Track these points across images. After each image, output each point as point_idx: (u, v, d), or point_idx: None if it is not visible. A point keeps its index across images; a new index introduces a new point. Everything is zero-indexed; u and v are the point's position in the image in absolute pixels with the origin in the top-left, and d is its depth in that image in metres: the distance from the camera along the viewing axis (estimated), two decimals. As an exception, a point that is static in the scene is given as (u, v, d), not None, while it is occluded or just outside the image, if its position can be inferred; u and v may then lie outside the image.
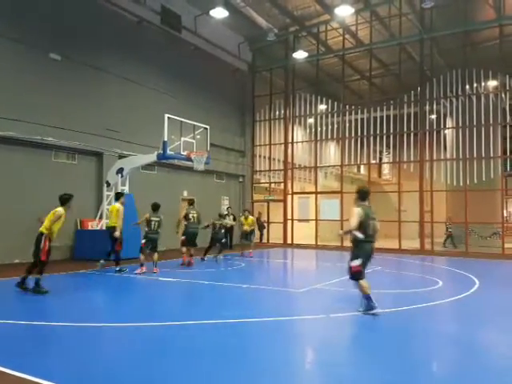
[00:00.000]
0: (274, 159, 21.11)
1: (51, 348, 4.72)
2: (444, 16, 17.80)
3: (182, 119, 12.77)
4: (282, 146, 20.91)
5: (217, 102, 18.53)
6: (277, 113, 21.19)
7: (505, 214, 18.22)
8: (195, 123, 13.18)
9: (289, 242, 20.04)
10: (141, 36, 15.35)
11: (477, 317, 6.47)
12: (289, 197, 20.58)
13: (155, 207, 10.49)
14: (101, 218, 12.89)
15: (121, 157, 13.74)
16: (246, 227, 14.33)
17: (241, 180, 20.47)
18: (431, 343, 5.15)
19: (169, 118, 12.22)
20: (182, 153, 12.61)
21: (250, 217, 14.82)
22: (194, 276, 9.91)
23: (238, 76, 20.21)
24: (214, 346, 4.77)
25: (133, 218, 12.75)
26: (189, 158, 12.71)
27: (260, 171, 21.48)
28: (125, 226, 10.66)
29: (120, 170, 12.71)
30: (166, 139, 12.07)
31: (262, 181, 21.78)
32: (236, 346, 4.79)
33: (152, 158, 12.62)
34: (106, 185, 13.10)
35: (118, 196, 10.71)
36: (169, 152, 12.26)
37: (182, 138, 12.73)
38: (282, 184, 20.89)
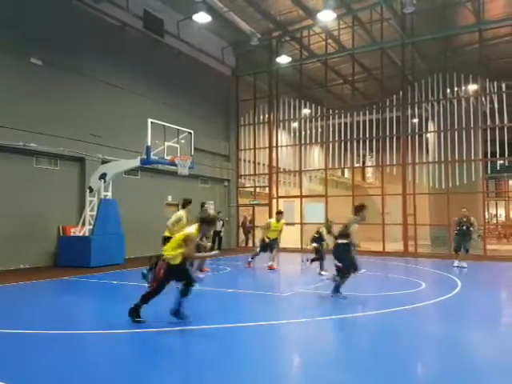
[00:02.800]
0: (258, 163, 21.13)
1: (21, 356, 4.61)
2: (425, 21, 18.10)
3: (166, 124, 12.70)
4: (267, 150, 20.95)
5: (201, 107, 18.49)
6: (261, 117, 21.24)
7: (486, 216, 18.49)
8: (179, 128, 13.13)
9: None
10: (124, 41, 15.24)
11: (459, 318, 6.55)
12: (274, 201, 20.60)
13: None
14: (83, 224, 12.71)
15: (103, 162, 13.58)
16: (270, 234, 11.81)
17: (226, 184, 20.43)
18: (416, 345, 5.20)
19: (152, 122, 12.15)
20: (166, 157, 12.56)
21: (283, 220, 12.26)
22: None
23: (221, 80, 20.21)
24: (200, 352, 4.74)
25: (116, 224, 12.63)
26: (173, 163, 12.65)
27: (245, 175, 21.49)
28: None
29: (103, 176, 12.57)
30: (149, 144, 11.99)
31: (247, 185, 21.78)
32: (222, 352, 4.76)
33: (135, 162, 12.52)
34: (88, 190, 12.94)
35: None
36: (152, 157, 12.19)
37: (166, 143, 12.67)
38: (267, 188, 20.92)
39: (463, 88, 17.89)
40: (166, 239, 9.09)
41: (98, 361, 4.52)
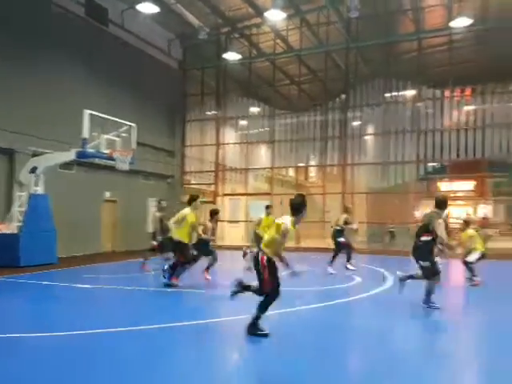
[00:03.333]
0: (205, 160, 20.93)
1: None
2: (369, 27, 18.71)
3: (106, 116, 12.17)
4: (214, 147, 20.77)
5: (145, 100, 17.95)
6: (208, 113, 21.02)
7: (418, 215, 19.69)
8: (120, 120, 12.63)
9: (219, 243, 19.94)
10: (65, 27, 14.42)
11: (387, 311, 6.85)
12: (219, 198, 20.50)
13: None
14: (11, 220, 11.91)
15: (35, 155, 12.76)
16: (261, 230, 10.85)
17: (169, 181, 19.98)
18: (351, 337, 5.47)
19: (90, 114, 11.59)
20: (104, 151, 12.05)
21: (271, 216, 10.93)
22: (108, 282, 9.52)
23: (168, 73, 19.74)
24: (132, 354, 4.64)
25: (48, 221, 11.96)
26: (111, 157, 12.17)
27: (190, 172, 21.19)
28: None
29: (34, 169, 11.83)
30: (86, 136, 11.43)
31: (193, 182, 21.49)
32: (159, 353, 4.65)
33: (70, 156, 11.89)
34: (17, 185, 12.13)
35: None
36: (89, 150, 11.65)
37: (105, 136, 12.16)
38: (213, 185, 20.76)
39: (402, 93, 18.75)
40: (172, 241, 8.52)
41: (21, 363, 4.26)
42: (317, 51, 19.65)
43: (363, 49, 19.39)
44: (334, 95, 19.51)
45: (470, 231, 9.49)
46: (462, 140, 17.59)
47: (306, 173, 25.76)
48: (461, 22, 16.25)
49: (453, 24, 16.59)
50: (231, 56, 19.21)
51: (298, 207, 5.06)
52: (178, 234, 8.40)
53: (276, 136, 20.08)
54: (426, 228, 6.55)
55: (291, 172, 23.77)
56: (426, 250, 6.58)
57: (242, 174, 21.02)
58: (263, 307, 5.03)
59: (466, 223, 9.74)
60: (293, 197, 5.20)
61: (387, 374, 4.15)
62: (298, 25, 19.31)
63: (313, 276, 10.70)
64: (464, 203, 24.24)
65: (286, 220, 4.98)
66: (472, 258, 9.23)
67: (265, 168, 21.67)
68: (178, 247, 8.44)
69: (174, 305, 7.45)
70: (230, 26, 19.40)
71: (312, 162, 21.56)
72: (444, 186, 22.68)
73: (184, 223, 8.38)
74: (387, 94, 18.73)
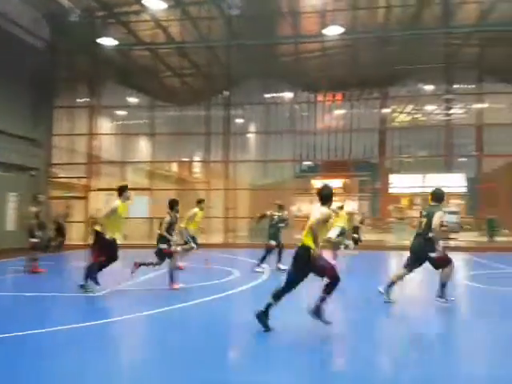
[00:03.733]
0: (77, 152, 19.23)
1: None
2: (250, 26, 19.08)
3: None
4: (87, 137, 19.20)
5: (4, 83, 15.72)
6: (81, 101, 19.35)
7: (295, 210, 20.88)
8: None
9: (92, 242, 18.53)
10: None
11: (260, 303, 6.99)
12: (93, 193, 19.02)
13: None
14: None
15: None
16: (193, 225, 10.60)
17: (33, 173, 17.81)
18: (227, 331, 5.53)
19: None
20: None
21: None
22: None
23: (33, 55, 17.56)
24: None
25: None
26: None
27: (59, 164, 19.24)
28: None
29: None
30: None
31: (61, 175, 19.56)
32: (36, 362, 4.28)
33: None
34: None
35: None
36: None
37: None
38: (86, 179, 19.18)
39: (281, 95, 19.64)
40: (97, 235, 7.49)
41: None
42: (197, 45, 19.44)
43: (244, 47, 19.70)
44: (217, 91, 19.55)
45: (341, 212, 10.40)
46: (332, 142, 19.09)
47: (190, 168, 25.44)
48: (333, 31, 17.40)
49: (325, 31, 17.75)
50: (106, 41, 17.89)
51: (328, 197, 5.31)
52: (108, 229, 7.45)
53: (157, 129, 19.39)
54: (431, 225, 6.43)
55: (175, 167, 23.23)
56: (433, 242, 6.45)
57: (120, 168, 19.83)
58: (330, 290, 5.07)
59: (341, 208, 10.70)
60: (321, 187, 5.42)
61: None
62: (179, 16, 18.84)
63: (191, 272, 10.55)
64: (334, 199, 26.42)
65: (324, 210, 5.18)
66: (332, 233, 9.83)
67: (145, 162, 20.77)
68: (106, 244, 7.49)
69: (42, 310, 6.74)
70: (107, 10, 18.08)
71: (196, 158, 21.36)
72: (317, 183, 24.37)
73: (114, 217, 7.46)
74: (267, 95, 19.42)
